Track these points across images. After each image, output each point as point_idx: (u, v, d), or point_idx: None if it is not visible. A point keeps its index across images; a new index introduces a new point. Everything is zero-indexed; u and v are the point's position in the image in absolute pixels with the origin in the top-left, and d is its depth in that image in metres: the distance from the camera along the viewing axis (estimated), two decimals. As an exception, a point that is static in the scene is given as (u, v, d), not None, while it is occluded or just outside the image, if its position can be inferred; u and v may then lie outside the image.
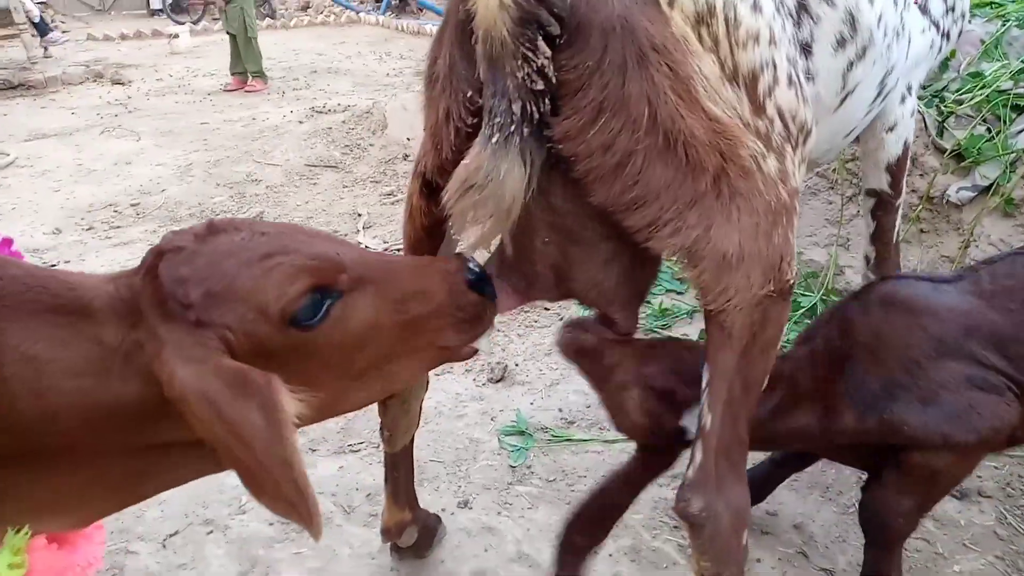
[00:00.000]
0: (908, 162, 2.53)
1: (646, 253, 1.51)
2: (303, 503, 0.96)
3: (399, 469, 2.33)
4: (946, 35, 2.53)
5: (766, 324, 1.51)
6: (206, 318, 1.05)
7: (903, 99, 2.42)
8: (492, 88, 1.30)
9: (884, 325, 1.91)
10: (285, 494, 0.95)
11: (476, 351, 1.42)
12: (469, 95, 1.39)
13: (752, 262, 1.43)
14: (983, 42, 3.65)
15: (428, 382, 2.30)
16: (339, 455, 3.03)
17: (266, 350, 1.09)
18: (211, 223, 1.18)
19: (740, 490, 1.59)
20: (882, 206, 2.58)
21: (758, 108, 1.43)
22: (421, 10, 14.99)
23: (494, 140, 1.31)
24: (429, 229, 1.73)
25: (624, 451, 3.00)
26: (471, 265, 1.40)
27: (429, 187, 1.62)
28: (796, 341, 2.12)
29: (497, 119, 1.30)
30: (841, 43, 1.81)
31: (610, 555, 2.52)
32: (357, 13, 15.59)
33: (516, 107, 1.29)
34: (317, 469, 2.95)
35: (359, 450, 3.05)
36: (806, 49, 1.70)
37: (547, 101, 1.30)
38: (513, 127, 1.30)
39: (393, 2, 15.66)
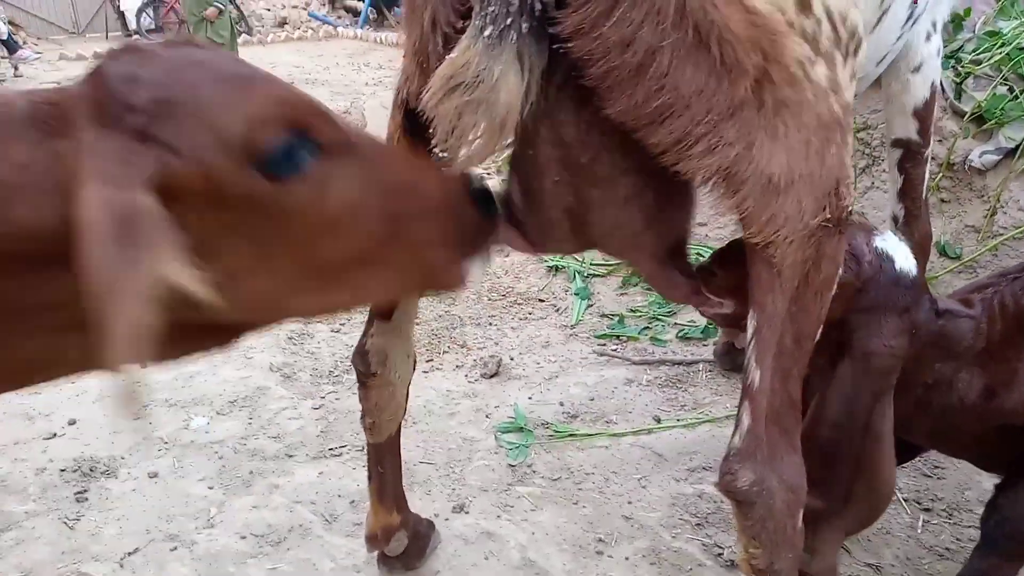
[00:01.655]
0: (936, 107, 2.31)
1: (676, 187, 1.29)
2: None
3: (385, 463, 2.06)
4: None
5: (821, 261, 1.28)
6: (151, 129, 0.84)
7: (928, 37, 2.21)
8: None
9: None
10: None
11: (463, 281, 1.20)
12: None
13: (804, 185, 1.21)
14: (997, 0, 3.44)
15: (415, 361, 2.02)
16: (319, 460, 2.73)
17: (217, 193, 0.88)
18: (185, 36, 1.01)
19: (795, 462, 1.34)
20: (910, 157, 2.36)
21: (804, 5, 1.22)
22: (400, 22, 14.81)
23: (487, 34, 1.09)
24: None
25: (635, 445, 2.73)
26: (474, 179, 1.21)
27: (413, 120, 1.38)
28: (975, 286, 1.82)
29: (491, 7, 1.08)
30: None
31: (627, 558, 2.24)
32: (335, 27, 15.38)
33: None
34: (295, 476, 2.65)
35: (341, 454, 2.76)
36: None
37: None
38: (510, 19, 1.08)
39: (371, 15, 15.47)
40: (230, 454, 2.77)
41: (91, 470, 2.67)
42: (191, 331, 0.93)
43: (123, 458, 2.76)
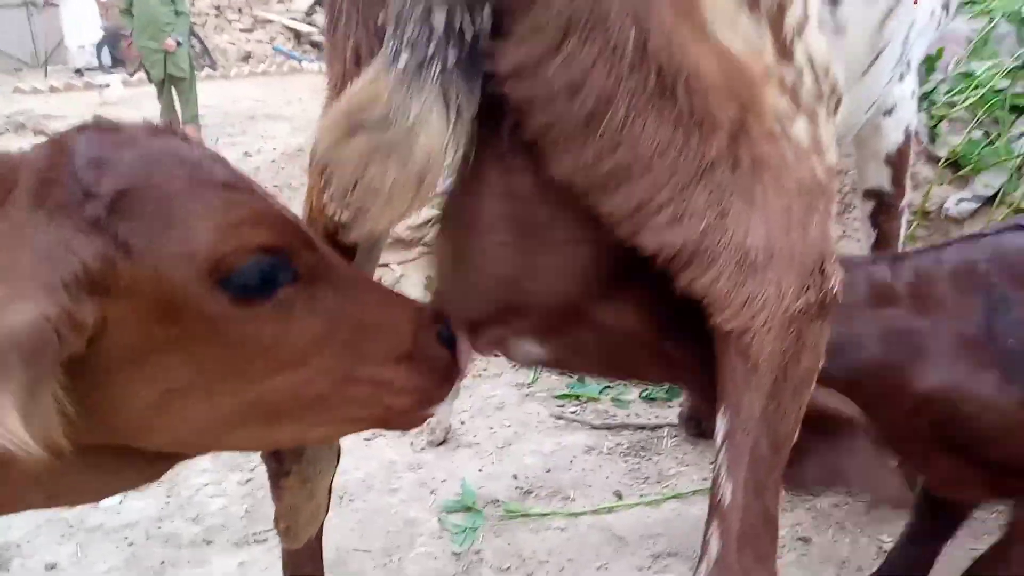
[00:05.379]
0: (911, 154, 2.11)
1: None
2: None
3: (303, 571, 1.78)
4: (945, 7, 2.12)
5: (801, 353, 1.07)
6: (108, 222, 0.74)
7: (901, 77, 2.00)
8: None
9: None
10: None
11: (424, 419, 1.09)
12: (382, 24, 0.97)
13: (784, 262, 1.01)
14: (970, 40, 3.30)
15: (340, 455, 1.75)
16: (240, 547, 2.44)
17: (168, 304, 0.78)
18: (171, 124, 0.91)
19: None
20: (884, 209, 2.16)
21: (784, 50, 1.02)
22: (366, 57, 14.65)
23: (402, 63, 0.87)
24: (336, 235, 1.25)
25: (593, 527, 2.47)
26: (446, 320, 1.09)
27: None
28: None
29: (409, 29, 0.87)
30: None
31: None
32: (300, 62, 15.18)
33: (438, 18, 0.86)
34: (212, 567, 2.36)
35: (266, 539, 2.47)
36: None
37: (485, 13, 0.88)
38: (432, 48, 0.87)
39: (337, 50, 15.31)
40: (141, 540, 2.47)
41: (-21, 562, 2.36)
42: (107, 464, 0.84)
43: (19, 546, 2.45)
